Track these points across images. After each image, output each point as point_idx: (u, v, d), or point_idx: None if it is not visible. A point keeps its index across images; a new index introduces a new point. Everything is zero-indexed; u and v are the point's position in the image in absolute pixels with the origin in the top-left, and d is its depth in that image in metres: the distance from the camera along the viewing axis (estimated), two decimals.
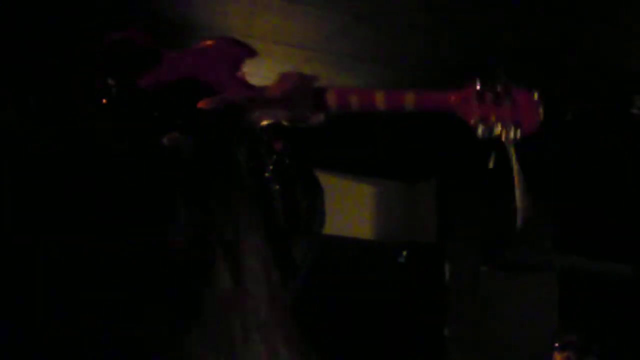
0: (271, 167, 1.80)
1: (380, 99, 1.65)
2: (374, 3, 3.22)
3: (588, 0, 3.17)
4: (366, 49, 3.64)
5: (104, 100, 1.76)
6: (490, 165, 1.51)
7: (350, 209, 4.95)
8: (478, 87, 1.48)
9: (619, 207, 4.82)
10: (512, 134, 1.46)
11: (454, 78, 1.62)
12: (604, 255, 4.83)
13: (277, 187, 1.77)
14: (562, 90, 3.82)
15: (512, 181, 1.67)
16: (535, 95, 1.46)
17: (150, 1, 3.18)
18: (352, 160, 4.83)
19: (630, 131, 4.11)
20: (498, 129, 1.46)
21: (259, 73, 3.43)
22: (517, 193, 1.62)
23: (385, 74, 3.82)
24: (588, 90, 3.89)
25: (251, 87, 1.84)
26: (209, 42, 1.91)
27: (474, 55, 3.51)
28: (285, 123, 1.73)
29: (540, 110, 1.46)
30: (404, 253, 4.77)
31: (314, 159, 4.55)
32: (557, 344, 4.12)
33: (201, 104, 1.60)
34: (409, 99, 1.61)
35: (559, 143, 4.18)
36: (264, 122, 1.69)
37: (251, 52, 1.91)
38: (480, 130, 1.48)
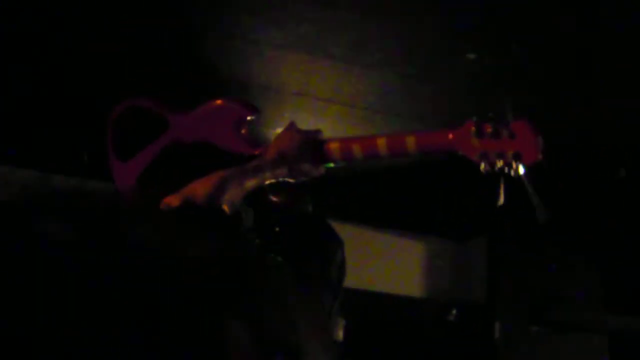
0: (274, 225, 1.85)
1: (382, 145, 1.70)
2: (431, 64, 3.28)
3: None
4: (421, 109, 3.69)
5: None
6: (500, 201, 1.56)
7: (399, 266, 4.96)
8: (475, 123, 1.53)
9: None
10: (514, 167, 1.49)
11: None
12: None
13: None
14: (611, 150, 3.82)
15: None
16: (533, 125, 1.49)
17: (208, 60, 3.31)
18: (401, 217, 4.85)
19: None
20: (500, 163, 1.49)
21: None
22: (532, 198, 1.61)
23: None
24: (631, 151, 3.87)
25: (256, 145, 1.91)
26: (212, 104, 1.99)
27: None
28: (288, 179, 1.78)
29: (540, 139, 1.49)
30: (453, 311, 4.77)
31: (363, 216, 4.61)
32: None
33: (166, 201, 1.64)
34: (410, 142, 1.66)
35: (608, 201, 4.17)
36: (267, 182, 1.76)
37: (252, 111, 1.98)
38: (482, 165, 1.52)
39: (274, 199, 1.84)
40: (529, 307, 4.65)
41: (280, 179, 1.77)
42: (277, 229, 1.82)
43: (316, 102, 3.64)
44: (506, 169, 1.49)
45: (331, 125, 3.80)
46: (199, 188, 1.67)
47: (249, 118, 1.97)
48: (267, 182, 1.75)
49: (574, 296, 4.71)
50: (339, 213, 3.92)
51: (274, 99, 3.61)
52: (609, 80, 3.27)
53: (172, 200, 1.65)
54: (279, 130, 3.66)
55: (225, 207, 1.67)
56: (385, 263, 4.91)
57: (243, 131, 1.95)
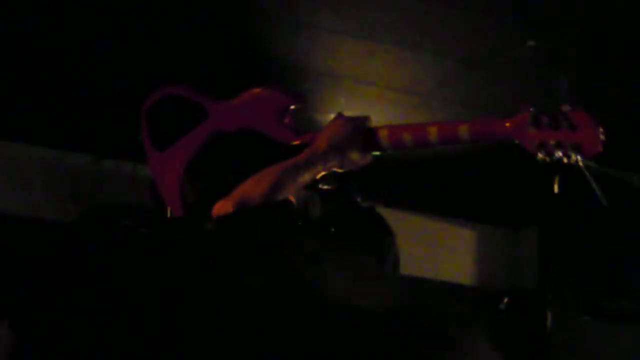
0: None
1: (433, 133, 1.67)
2: (486, 49, 3.25)
3: None
4: (478, 95, 3.66)
5: None
6: (555, 189, 1.55)
7: (452, 253, 4.95)
8: (533, 112, 1.50)
9: None
10: (573, 157, 1.47)
11: None
12: None
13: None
14: None
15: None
16: (594, 117, 1.47)
17: (262, 45, 3.31)
18: (454, 205, 4.82)
19: None
20: (559, 153, 1.47)
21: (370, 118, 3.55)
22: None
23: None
24: None
25: (300, 134, 1.89)
26: (254, 92, 1.96)
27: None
28: (338, 169, 1.75)
29: (601, 130, 1.47)
30: (505, 300, 4.75)
31: (414, 203, 4.57)
32: None
33: (219, 205, 1.62)
34: (463, 130, 1.63)
35: None
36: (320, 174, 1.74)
37: (296, 99, 1.94)
38: (540, 155, 1.50)
39: (324, 189, 1.82)
40: (581, 296, 4.61)
41: (332, 170, 1.75)
42: (332, 229, 1.80)
43: (371, 88, 3.64)
44: (565, 160, 1.47)
45: (385, 112, 3.79)
46: (252, 189, 1.64)
47: (292, 107, 1.94)
48: (320, 174, 1.73)
49: (629, 286, 4.65)
50: (389, 200, 3.92)
51: (329, 84, 3.61)
52: None
53: (225, 206, 1.62)
54: (333, 115, 3.69)
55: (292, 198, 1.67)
56: (437, 250, 4.89)
57: (286, 120, 1.93)
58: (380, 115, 3.73)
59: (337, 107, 3.65)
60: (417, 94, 3.69)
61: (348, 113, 3.69)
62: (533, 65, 3.28)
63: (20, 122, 4.07)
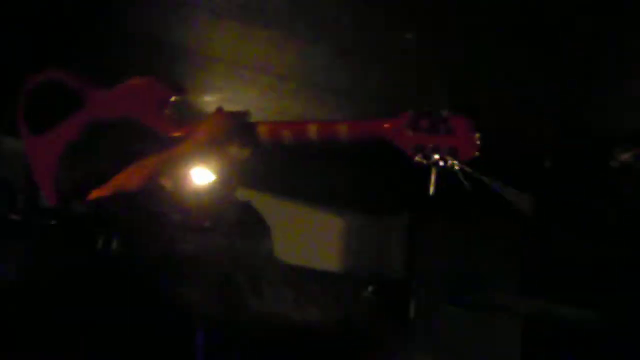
0: None
1: (313, 131, 1.70)
2: (363, 39, 3.26)
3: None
4: (352, 84, 3.67)
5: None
6: (431, 191, 1.57)
7: (318, 240, 4.97)
8: (411, 115, 1.53)
9: (587, 254, 4.87)
10: (449, 161, 1.50)
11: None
12: (569, 300, 4.87)
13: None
14: (541, 138, 3.88)
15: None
16: (471, 122, 1.51)
17: (138, 24, 3.23)
18: (322, 191, 4.84)
19: (608, 183, 4.17)
20: (436, 156, 1.50)
21: (243, 101, 3.55)
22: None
23: (371, 108, 3.83)
24: (569, 141, 3.93)
25: (180, 126, 1.88)
26: (134, 82, 1.95)
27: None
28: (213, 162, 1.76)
29: (477, 135, 1.51)
30: (370, 288, 4.81)
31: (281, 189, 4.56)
32: None
33: (95, 194, 1.62)
34: (342, 129, 1.66)
35: (535, 189, 4.24)
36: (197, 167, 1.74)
37: (177, 92, 1.94)
38: (417, 157, 1.53)
39: (200, 183, 1.81)
40: (446, 287, 4.71)
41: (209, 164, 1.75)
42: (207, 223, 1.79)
43: (247, 72, 3.59)
44: (441, 163, 1.50)
45: (261, 97, 3.75)
46: (128, 180, 1.64)
47: (173, 99, 1.93)
48: (197, 167, 1.73)
49: (491, 278, 4.79)
50: (259, 184, 3.89)
51: (205, 66, 3.55)
52: None
53: (100, 195, 1.63)
54: (208, 97, 3.63)
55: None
56: (304, 237, 4.90)
57: (166, 111, 1.91)
58: (255, 100, 3.70)
59: (210, 89, 3.60)
60: (291, 80, 3.69)
61: (222, 96, 3.65)
62: (411, 57, 3.30)
63: None
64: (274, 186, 4.63)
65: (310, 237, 4.93)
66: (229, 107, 1.94)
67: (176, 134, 1.85)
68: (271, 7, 3.07)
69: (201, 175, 1.76)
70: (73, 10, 3.11)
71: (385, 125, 1.59)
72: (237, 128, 1.76)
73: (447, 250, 4.77)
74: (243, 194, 1.96)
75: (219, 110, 1.84)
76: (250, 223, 1.91)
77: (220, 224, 1.79)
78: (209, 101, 3.55)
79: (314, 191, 4.83)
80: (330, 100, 3.80)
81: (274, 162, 4.17)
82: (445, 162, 1.49)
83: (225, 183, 1.80)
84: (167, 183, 1.65)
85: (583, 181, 4.27)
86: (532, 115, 3.78)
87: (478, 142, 1.49)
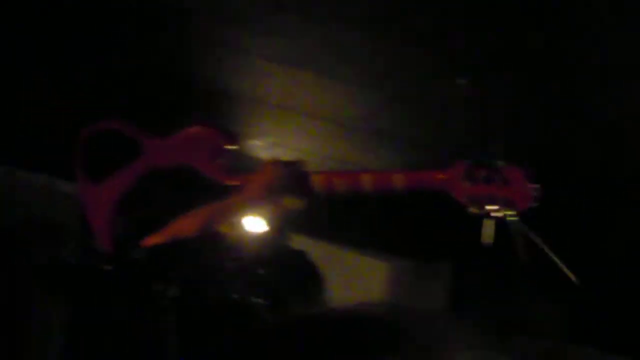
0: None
1: (367, 181, 1.69)
2: (414, 84, 3.25)
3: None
4: (402, 130, 3.66)
5: None
6: (485, 240, 1.55)
7: (365, 285, 4.94)
8: (467, 166, 1.52)
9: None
10: (504, 212, 1.49)
11: None
12: (620, 349, 4.77)
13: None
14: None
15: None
16: (526, 173, 1.50)
17: (190, 69, 3.28)
18: (369, 236, 4.80)
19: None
20: (491, 207, 1.49)
21: (294, 145, 3.56)
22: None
23: (419, 154, 3.79)
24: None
25: (235, 174, 1.89)
26: (190, 130, 1.97)
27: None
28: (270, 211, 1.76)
29: (532, 186, 1.49)
30: None
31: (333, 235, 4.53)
32: None
33: (150, 240, 1.65)
34: (397, 180, 1.65)
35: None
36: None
37: (232, 141, 1.95)
38: (472, 208, 1.52)
39: (254, 232, 1.81)
40: (494, 334, 4.64)
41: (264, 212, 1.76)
42: (261, 271, 1.80)
43: (297, 116, 3.60)
44: (495, 214, 1.49)
45: (310, 141, 3.76)
46: (184, 226, 1.67)
47: (228, 147, 1.95)
48: (251, 216, 1.74)
49: (539, 326, 4.72)
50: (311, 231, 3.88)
51: (255, 110, 3.57)
52: None
53: (155, 241, 1.65)
54: (257, 142, 3.64)
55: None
56: (348, 281, 4.87)
57: (221, 160, 1.93)
58: (305, 143, 3.71)
59: (261, 133, 3.61)
60: (342, 125, 3.68)
61: (272, 140, 3.66)
62: (462, 104, 3.27)
63: None
64: (322, 231, 4.62)
65: (357, 282, 4.91)
66: (279, 151, 1.95)
67: (231, 183, 1.86)
68: (320, 53, 3.08)
69: (255, 224, 1.77)
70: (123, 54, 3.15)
71: (441, 176, 1.58)
72: (291, 179, 1.75)
73: (490, 299, 4.71)
74: (297, 241, 1.96)
75: (275, 160, 1.84)
76: (303, 271, 1.91)
77: (273, 272, 1.79)
78: (260, 145, 3.58)
79: (360, 235, 4.81)
80: (380, 146, 3.80)
81: (323, 208, 4.19)
82: (499, 212, 1.48)
83: (279, 232, 1.81)
84: (221, 231, 1.65)
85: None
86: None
87: (534, 194, 1.48)
